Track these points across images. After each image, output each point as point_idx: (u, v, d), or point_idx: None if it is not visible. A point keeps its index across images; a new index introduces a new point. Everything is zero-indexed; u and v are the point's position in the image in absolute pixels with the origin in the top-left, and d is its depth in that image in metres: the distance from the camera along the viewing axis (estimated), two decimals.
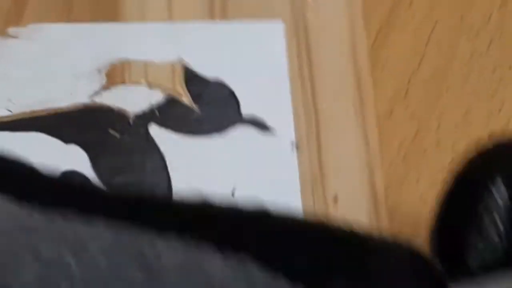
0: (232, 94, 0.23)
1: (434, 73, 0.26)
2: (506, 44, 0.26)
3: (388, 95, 0.25)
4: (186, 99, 0.22)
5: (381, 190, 0.23)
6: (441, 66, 0.26)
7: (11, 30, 0.23)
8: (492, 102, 0.25)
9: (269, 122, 0.23)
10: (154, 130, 0.22)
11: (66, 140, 0.22)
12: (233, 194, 0.23)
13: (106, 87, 0.22)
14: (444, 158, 0.24)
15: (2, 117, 0.22)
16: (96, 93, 0.22)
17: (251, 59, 0.24)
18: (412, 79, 0.25)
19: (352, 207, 0.23)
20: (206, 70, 0.23)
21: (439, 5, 0.28)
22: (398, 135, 0.24)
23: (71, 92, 0.23)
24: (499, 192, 0.16)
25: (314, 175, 0.23)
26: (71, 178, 0.20)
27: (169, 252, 0.14)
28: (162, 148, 0.22)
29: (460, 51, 0.26)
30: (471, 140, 0.25)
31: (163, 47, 0.23)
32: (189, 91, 0.23)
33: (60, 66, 0.23)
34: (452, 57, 0.26)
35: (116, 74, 0.23)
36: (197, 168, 0.23)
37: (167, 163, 0.23)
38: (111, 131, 0.22)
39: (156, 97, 0.22)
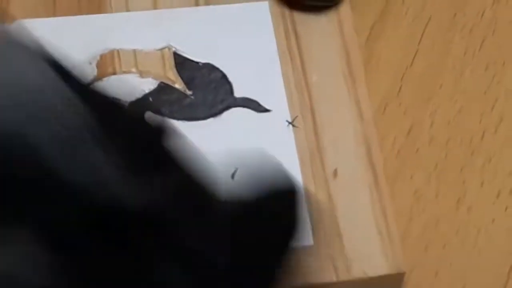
0: (224, 77, 0.23)
1: (427, 69, 0.26)
2: (499, 41, 0.26)
3: (382, 92, 0.26)
4: (178, 84, 0.22)
5: (380, 161, 0.23)
6: (434, 63, 0.27)
7: None
8: (485, 99, 0.25)
9: (263, 102, 0.23)
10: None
11: None
12: (233, 176, 0.22)
13: (98, 78, 0.22)
14: (438, 155, 0.24)
15: None
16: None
17: (239, 41, 0.24)
18: (405, 75, 0.26)
19: (352, 180, 0.24)
20: (196, 55, 0.23)
21: (432, 2, 0.28)
22: (391, 132, 0.24)
23: None
24: None
25: (312, 150, 0.23)
26: None
27: None
28: None
29: (453, 48, 0.27)
30: (464, 137, 0.25)
31: (151, 35, 0.23)
32: (181, 76, 0.23)
33: None
34: (445, 54, 0.26)
35: (106, 65, 0.22)
36: None
37: None
38: None
39: (148, 85, 0.22)
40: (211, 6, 0.24)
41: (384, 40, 0.27)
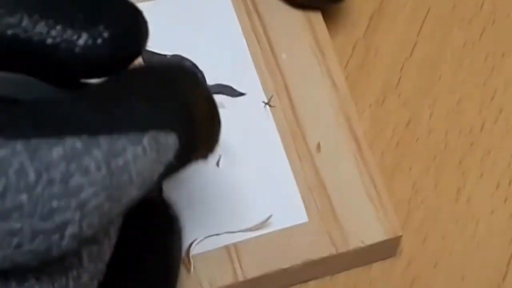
0: (194, 66, 0.23)
1: (426, 61, 0.26)
2: (499, 32, 0.27)
3: (380, 83, 0.26)
4: None
5: (360, 129, 0.23)
6: (433, 54, 0.27)
7: None
8: (484, 90, 0.25)
9: (236, 86, 0.24)
10: None
11: None
12: (218, 163, 0.23)
13: None
14: (437, 146, 0.24)
15: None
16: None
17: (203, 29, 0.24)
18: (404, 67, 0.26)
19: (335, 151, 0.24)
20: (162, 48, 0.23)
21: None
22: (390, 123, 0.24)
23: None
24: None
25: (292, 128, 0.24)
26: None
27: None
28: None
29: (452, 39, 0.27)
30: (463, 128, 0.25)
31: None
32: None
33: None
34: (444, 45, 0.27)
35: None
36: None
37: None
38: None
39: None
40: None
41: (382, 32, 0.27)
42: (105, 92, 0.16)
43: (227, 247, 0.21)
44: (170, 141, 0.16)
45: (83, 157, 0.14)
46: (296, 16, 0.25)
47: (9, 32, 0.15)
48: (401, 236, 0.22)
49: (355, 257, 0.22)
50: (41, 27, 0.15)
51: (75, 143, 0.13)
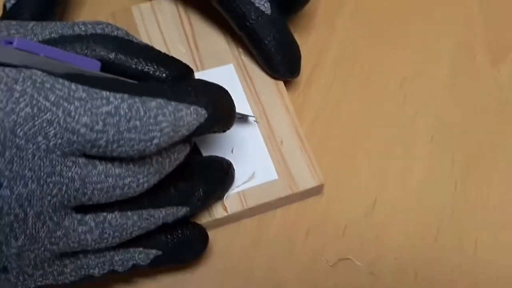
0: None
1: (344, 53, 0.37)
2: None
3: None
4: None
5: (303, 131, 0.33)
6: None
7: None
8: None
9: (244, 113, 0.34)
10: None
11: None
12: (232, 151, 0.33)
13: None
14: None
15: None
16: None
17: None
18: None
19: (290, 146, 0.33)
20: None
21: None
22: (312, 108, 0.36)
23: None
24: None
25: (268, 132, 0.33)
26: None
27: None
28: None
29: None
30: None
31: None
32: None
33: None
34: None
35: None
36: None
37: None
38: None
39: None
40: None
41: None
42: (177, 86, 0.26)
43: (238, 193, 0.31)
44: (202, 112, 0.26)
45: (166, 107, 0.24)
46: (270, 82, 0.35)
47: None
48: (323, 184, 0.32)
49: (299, 195, 0.32)
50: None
51: (162, 101, 0.24)
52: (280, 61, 0.33)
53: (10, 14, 0.34)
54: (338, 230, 0.32)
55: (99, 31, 0.26)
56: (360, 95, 0.37)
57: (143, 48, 0.27)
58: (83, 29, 0.26)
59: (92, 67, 0.25)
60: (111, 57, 0.26)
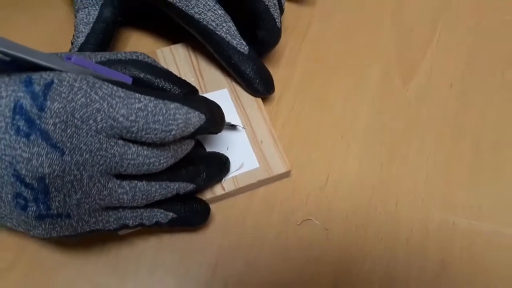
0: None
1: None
2: None
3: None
4: None
5: (276, 134, 0.37)
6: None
7: None
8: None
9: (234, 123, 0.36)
10: None
11: None
12: (227, 148, 0.36)
13: None
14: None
15: None
16: None
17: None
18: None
19: (268, 147, 0.36)
20: None
21: None
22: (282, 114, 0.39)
23: None
24: None
25: (252, 135, 0.36)
26: None
27: None
28: None
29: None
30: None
31: None
32: None
33: None
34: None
35: None
36: None
37: None
38: None
39: None
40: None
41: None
42: (187, 97, 0.27)
43: (232, 177, 0.34)
44: (203, 117, 0.27)
45: (181, 109, 0.25)
46: (253, 99, 0.38)
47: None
48: (291, 170, 0.36)
49: (274, 178, 0.35)
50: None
51: (178, 105, 0.25)
52: (258, 83, 0.37)
53: (77, 49, 0.35)
54: (302, 200, 0.37)
55: (134, 57, 0.28)
56: (314, 109, 0.41)
57: (164, 72, 0.29)
58: (123, 55, 0.28)
59: (127, 81, 0.27)
60: (141, 76, 0.27)
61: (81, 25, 0.34)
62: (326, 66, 0.43)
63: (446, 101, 0.42)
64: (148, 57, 0.29)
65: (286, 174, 0.36)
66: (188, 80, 0.37)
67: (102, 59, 0.27)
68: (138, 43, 0.42)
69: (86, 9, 0.35)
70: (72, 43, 0.35)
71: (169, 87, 0.28)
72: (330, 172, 0.38)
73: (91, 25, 0.34)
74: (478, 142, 0.40)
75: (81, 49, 0.35)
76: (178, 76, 0.30)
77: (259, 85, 0.37)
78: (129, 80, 0.27)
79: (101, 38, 0.35)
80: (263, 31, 0.36)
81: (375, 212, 0.36)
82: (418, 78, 0.43)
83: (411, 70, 0.44)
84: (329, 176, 0.38)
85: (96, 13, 0.34)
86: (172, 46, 0.40)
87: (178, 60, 0.39)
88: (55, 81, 0.22)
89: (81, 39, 0.35)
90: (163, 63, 0.39)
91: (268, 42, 0.37)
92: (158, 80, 0.28)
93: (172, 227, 0.31)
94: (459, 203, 0.37)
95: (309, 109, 0.41)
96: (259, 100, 0.39)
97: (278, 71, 0.42)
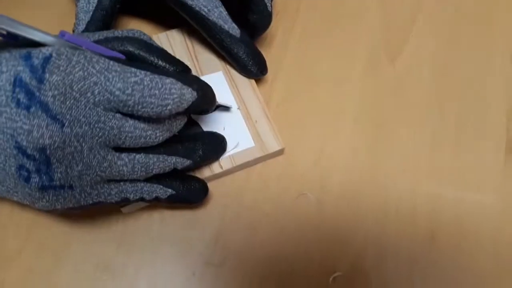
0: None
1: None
2: None
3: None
4: None
5: (271, 115, 0.37)
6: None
7: None
8: None
9: (230, 104, 0.36)
10: None
11: None
12: (224, 128, 0.36)
13: None
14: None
15: None
16: None
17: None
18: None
19: (261, 123, 0.37)
20: None
21: None
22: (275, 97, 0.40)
23: None
24: None
25: (246, 115, 0.37)
26: None
27: None
28: None
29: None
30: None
31: None
32: None
33: None
34: None
35: None
36: None
37: None
38: None
39: None
40: None
41: None
42: (180, 74, 0.27)
43: (228, 156, 0.35)
44: (195, 93, 0.27)
45: (176, 84, 0.25)
46: (247, 81, 0.39)
47: None
48: (284, 148, 0.37)
49: (269, 156, 0.37)
50: None
51: (173, 80, 0.25)
52: (251, 65, 0.38)
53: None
54: (297, 175, 0.38)
55: (130, 34, 0.29)
56: (307, 88, 0.42)
57: (159, 50, 0.29)
58: (120, 33, 0.28)
59: (120, 58, 0.27)
60: (136, 52, 0.28)
61: (81, 13, 0.35)
62: (316, 46, 0.44)
63: (430, 75, 0.43)
64: (144, 34, 0.30)
65: (280, 152, 0.38)
66: None
67: (100, 37, 0.27)
68: None
69: None
70: (73, 31, 0.36)
71: (162, 64, 0.28)
72: (322, 149, 0.39)
73: (91, 13, 0.35)
74: (460, 115, 0.41)
75: None
76: (173, 55, 0.31)
77: (252, 67, 0.38)
78: (122, 58, 0.27)
79: (101, 26, 0.36)
80: (255, 15, 0.37)
81: (366, 185, 0.38)
82: (404, 55, 0.44)
83: (397, 48, 0.44)
84: (321, 153, 0.39)
85: (96, 1, 0.35)
86: (168, 32, 0.41)
87: (174, 45, 0.40)
88: (54, 55, 0.22)
89: (81, 27, 0.35)
90: None
91: (260, 26, 0.37)
92: (153, 57, 0.28)
93: (171, 203, 0.32)
94: (445, 173, 0.38)
95: (302, 89, 0.42)
96: (253, 81, 0.39)
97: (270, 53, 0.43)
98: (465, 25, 0.46)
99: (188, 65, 0.38)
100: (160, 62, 0.28)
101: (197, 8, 0.34)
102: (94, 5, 0.35)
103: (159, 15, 0.43)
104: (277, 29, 0.44)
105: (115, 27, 0.41)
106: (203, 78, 0.37)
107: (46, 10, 0.42)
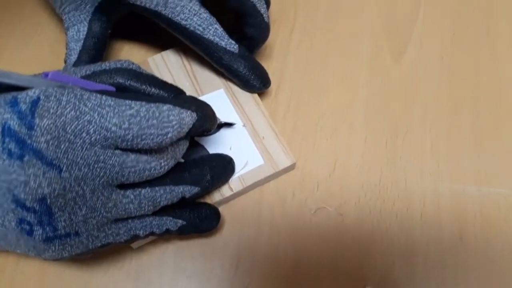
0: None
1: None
2: None
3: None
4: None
5: (278, 130, 0.36)
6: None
7: None
8: None
9: (235, 122, 0.35)
10: None
11: None
12: (230, 148, 0.35)
13: None
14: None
15: None
16: None
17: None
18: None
19: (270, 141, 0.36)
20: None
21: None
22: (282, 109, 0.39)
23: None
24: None
25: (253, 132, 0.36)
26: None
27: None
28: None
29: None
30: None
31: None
32: None
33: None
34: None
35: None
36: None
37: None
38: None
39: None
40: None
41: None
42: (176, 98, 0.27)
43: (238, 177, 0.34)
44: (194, 115, 0.26)
45: (174, 110, 0.25)
46: (249, 96, 0.38)
47: None
48: (295, 162, 0.36)
49: (280, 172, 0.35)
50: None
51: (170, 106, 0.25)
52: (254, 79, 0.37)
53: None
54: (313, 188, 0.37)
55: (118, 65, 0.27)
56: (313, 96, 0.41)
57: (150, 77, 0.28)
58: (107, 65, 0.27)
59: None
60: (127, 83, 0.27)
61: (72, 43, 0.34)
62: (318, 52, 0.43)
63: (439, 71, 0.42)
64: (133, 63, 0.29)
65: (291, 167, 0.36)
66: (183, 85, 0.38)
67: (87, 72, 0.27)
68: (130, 54, 0.42)
69: (76, 26, 0.35)
70: (65, 61, 0.36)
71: (156, 92, 0.28)
72: (337, 157, 0.38)
73: (82, 41, 0.34)
74: (475, 108, 0.40)
75: (75, 66, 0.34)
76: (165, 81, 0.30)
77: (255, 81, 0.37)
78: (113, 90, 0.26)
79: (94, 54, 0.35)
80: (252, 28, 0.36)
81: (386, 191, 0.37)
82: (409, 53, 0.43)
83: (400, 46, 0.44)
84: (336, 161, 0.38)
85: (86, 29, 0.34)
86: (163, 53, 0.40)
87: (170, 66, 0.39)
88: (42, 97, 0.21)
89: (73, 57, 0.35)
90: (156, 71, 0.39)
91: (258, 38, 0.37)
92: (145, 86, 0.27)
93: (183, 234, 0.31)
94: (466, 170, 0.38)
95: (307, 97, 0.41)
96: (256, 95, 0.38)
97: (271, 64, 0.42)
98: (468, 14, 0.45)
99: (187, 85, 0.38)
100: (153, 90, 0.28)
101: (191, 28, 0.33)
102: (85, 33, 0.34)
103: (152, 36, 0.42)
104: (276, 38, 0.44)
105: (108, 52, 0.41)
106: (203, 97, 0.37)
107: (37, 37, 0.42)
